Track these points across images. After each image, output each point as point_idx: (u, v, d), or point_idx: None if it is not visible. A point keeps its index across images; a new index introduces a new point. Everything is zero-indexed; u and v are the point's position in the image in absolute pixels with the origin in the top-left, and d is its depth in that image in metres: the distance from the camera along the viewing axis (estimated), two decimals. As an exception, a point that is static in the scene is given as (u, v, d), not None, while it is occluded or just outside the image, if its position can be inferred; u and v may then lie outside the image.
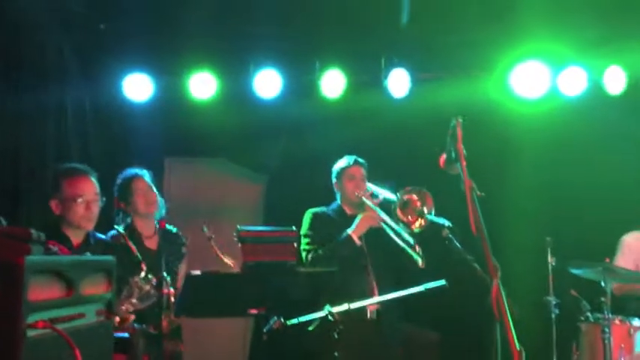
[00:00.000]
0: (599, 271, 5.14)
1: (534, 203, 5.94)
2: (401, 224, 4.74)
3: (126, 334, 3.56)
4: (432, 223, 4.54)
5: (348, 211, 5.07)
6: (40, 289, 2.07)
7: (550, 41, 5.81)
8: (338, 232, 4.84)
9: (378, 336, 4.77)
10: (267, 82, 5.95)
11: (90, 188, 3.97)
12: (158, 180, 4.99)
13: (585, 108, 5.96)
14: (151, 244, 4.61)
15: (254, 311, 3.76)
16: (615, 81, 5.87)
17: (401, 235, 4.72)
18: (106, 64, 5.98)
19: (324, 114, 6.06)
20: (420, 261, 4.58)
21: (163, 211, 4.75)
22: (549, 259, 5.26)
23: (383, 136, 5.93)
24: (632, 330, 5.11)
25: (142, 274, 3.67)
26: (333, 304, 4.02)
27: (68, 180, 3.94)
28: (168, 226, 4.74)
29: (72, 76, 5.77)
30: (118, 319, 3.48)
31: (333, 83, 5.96)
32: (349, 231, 4.82)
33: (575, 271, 5.34)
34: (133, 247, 3.91)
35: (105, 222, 4.26)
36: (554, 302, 5.23)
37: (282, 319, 3.85)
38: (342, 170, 5.09)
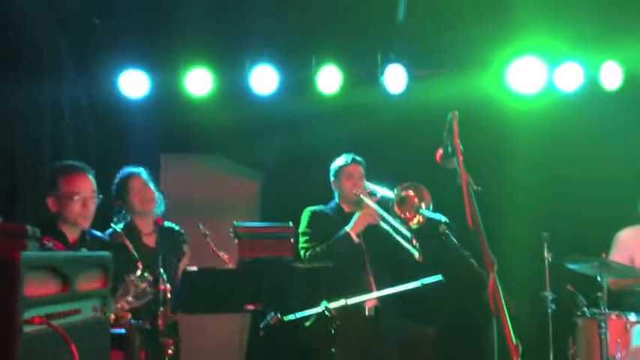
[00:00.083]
0: (596, 266, 5.15)
1: (530, 199, 5.95)
2: (398, 221, 4.74)
3: (122, 330, 3.55)
4: (429, 218, 4.54)
5: (346, 209, 5.06)
6: (36, 285, 2.06)
7: (546, 37, 5.81)
8: (336, 230, 4.83)
9: (377, 333, 4.77)
10: (264, 79, 5.95)
11: (87, 186, 3.94)
12: (154, 177, 4.99)
13: (582, 103, 5.97)
14: (150, 241, 4.61)
15: (251, 307, 3.75)
16: (611, 76, 5.88)
17: (398, 230, 4.72)
18: (102, 60, 5.96)
19: (320, 110, 6.05)
20: (417, 254, 4.58)
21: (162, 208, 4.75)
22: (546, 254, 5.28)
23: (379, 132, 5.93)
24: (628, 325, 5.12)
25: (138, 272, 3.66)
26: (330, 301, 4.02)
27: (65, 177, 3.92)
28: (169, 224, 4.78)
29: (68, 72, 5.76)
30: (113, 316, 3.47)
31: (329, 79, 5.96)
32: (347, 228, 4.81)
33: (571, 266, 5.35)
34: (130, 245, 3.90)
35: (102, 219, 4.25)
36: (550, 297, 5.24)
37: (279, 315, 3.84)
38: (340, 168, 5.09)
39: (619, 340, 5.06)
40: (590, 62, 5.91)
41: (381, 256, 4.89)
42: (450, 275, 4.26)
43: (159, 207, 4.71)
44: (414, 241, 4.64)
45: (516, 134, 5.93)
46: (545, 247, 5.28)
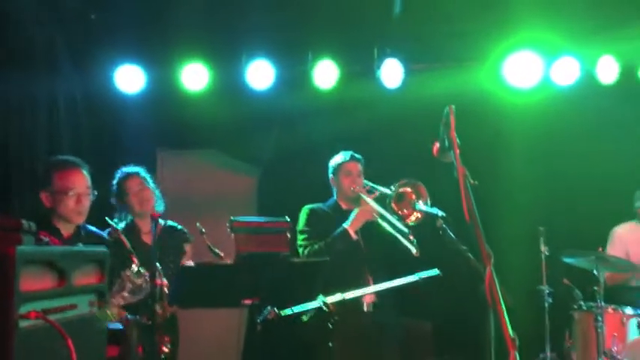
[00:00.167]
0: (592, 260, 5.17)
1: (527, 193, 5.95)
2: (396, 217, 4.74)
3: (119, 325, 3.55)
4: (426, 213, 4.54)
5: (344, 207, 5.05)
6: (32, 280, 2.05)
7: (542, 31, 5.81)
8: (334, 228, 4.82)
9: (375, 328, 4.77)
10: (260, 73, 5.94)
11: (81, 181, 3.91)
12: (151, 172, 4.99)
13: (578, 98, 5.97)
14: (149, 238, 4.60)
15: (248, 302, 3.75)
16: (608, 70, 5.88)
17: (396, 226, 4.72)
18: (97, 55, 5.95)
19: (316, 105, 6.05)
20: (414, 250, 4.58)
21: (162, 206, 4.78)
22: (542, 248, 5.28)
23: (376, 127, 5.93)
24: (624, 318, 5.13)
25: (134, 267, 3.65)
26: (327, 295, 4.02)
27: (59, 173, 3.89)
28: (172, 223, 4.83)
29: (63, 67, 5.74)
30: (108, 312, 3.47)
31: (325, 74, 5.95)
32: (345, 225, 4.81)
33: (568, 260, 5.36)
34: (126, 241, 3.89)
35: (98, 215, 4.23)
36: (547, 291, 5.25)
37: (276, 310, 3.84)
38: (339, 166, 5.07)
39: (615, 334, 5.08)
40: (587, 56, 5.91)
41: (379, 253, 4.88)
42: (447, 269, 4.26)
43: (158, 206, 4.73)
44: (411, 237, 4.64)
45: (513, 128, 5.93)
46: (542, 241, 5.28)
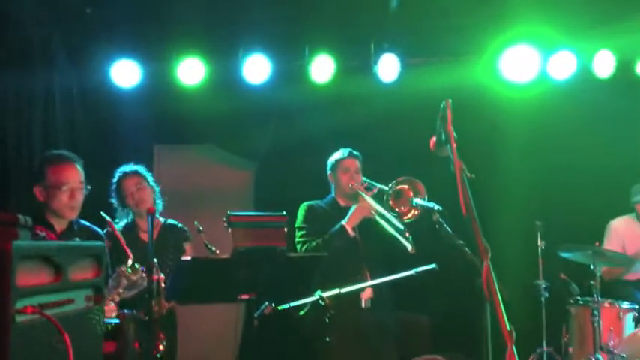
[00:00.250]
0: (589, 255, 5.18)
1: (524, 187, 5.95)
2: (394, 214, 4.74)
3: (116, 320, 3.55)
4: (423, 207, 4.54)
5: (342, 204, 5.05)
6: (29, 275, 2.05)
7: (539, 25, 5.80)
8: (332, 225, 4.82)
9: (372, 323, 4.78)
10: (256, 68, 5.93)
11: (75, 176, 3.89)
12: (148, 168, 4.99)
13: (574, 92, 5.97)
14: (147, 236, 4.61)
15: (245, 296, 3.74)
16: (604, 64, 5.88)
17: (392, 223, 4.72)
18: (94, 50, 5.94)
19: (313, 99, 6.04)
20: (410, 247, 4.58)
21: (161, 206, 4.80)
22: (539, 242, 5.30)
23: (372, 121, 5.92)
24: (621, 313, 5.15)
25: (130, 261, 3.65)
26: (324, 290, 4.02)
27: (53, 167, 3.87)
28: (172, 221, 4.87)
29: (59, 62, 5.73)
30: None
31: (322, 68, 5.94)
32: (343, 222, 4.81)
33: (564, 255, 5.37)
34: (120, 236, 3.89)
35: (95, 211, 4.21)
36: (543, 285, 5.27)
37: (273, 304, 3.84)
38: (337, 162, 5.06)
39: (612, 328, 5.09)
40: (583, 51, 5.91)
41: (376, 250, 4.88)
42: (443, 264, 4.27)
43: (157, 206, 4.74)
44: (407, 234, 4.64)
45: (509, 122, 5.93)
46: (539, 235, 5.30)
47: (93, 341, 2.45)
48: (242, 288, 3.70)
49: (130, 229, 4.73)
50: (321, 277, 4.06)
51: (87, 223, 4.11)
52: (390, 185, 4.78)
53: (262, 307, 3.80)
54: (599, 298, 5.09)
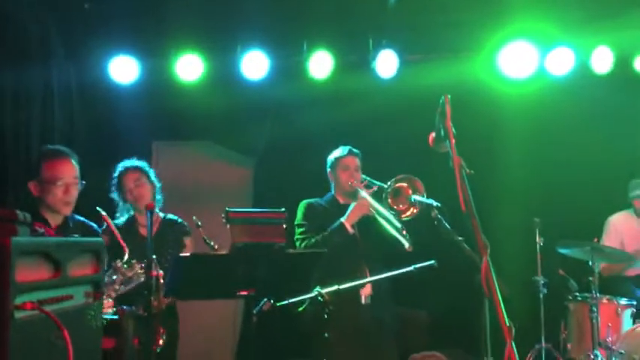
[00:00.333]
0: (587, 251, 5.18)
1: (522, 183, 5.96)
2: (392, 212, 4.74)
3: (115, 316, 3.54)
4: (422, 204, 4.54)
5: (342, 201, 5.04)
6: (28, 271, 2.05)
7: (538, 21, 5.80)
8: (331, 222, 4.82)
9: (372, 320, 4.78)
10: (255, 64, 5.93)
11: (70, 171, 3.88)
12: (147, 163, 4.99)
13: (573, 87, 5.97)
14: (146, 231, 4.61)
15: (244, 293, 3.74)
16: (602, 60, 5.88)
17: (389, 220, 4.72)
18: (92, 46, 5.93)
19: (311, 95, 6.04)
20: (407, 244, 4.59)
21: (160, 202, 4.79)
22: (537, 239, 5.30)
23: (371, 117, 5.91)
24: (619, 309, 5.15)
25: (126, 256, 3.64)
26: (323, 287, 4.02)
27: (48, 162, 3.86)
28: (171, 216, 4.85)
29: (57, 58, 5.72)
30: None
31: (320, 64, 5.94)
32: (342, 219, 4.80)
33: (563, 251, 5.38)
34: (116, 231, 3.89)
35: (91, 206, 4.20)
36: (542, 282, 5.28)
37: (272, 301, 3.84)
38: (337, 160, 5.06)
39: (610, 324, 5.10)
40: (582, 46, 5.91)
41: (375, 247, 4.88)
42: (442, 260, 4.27)
43: (157, 201, 4.74)
44: (404, 232, 4.64)
45: (508, 118, 5.93)
46: (537, 232, 5.30)
47: (92, 337, 2.45)
48: (241, 284, 3.69)
49: (130, 224, 4.72)
50: (321, 274, 4.06)
51: (82, 219, 4.10)
52: (389, 183, 4.77)
53: (261, 303, 3.79)
54: (598, 295, 5.10)
